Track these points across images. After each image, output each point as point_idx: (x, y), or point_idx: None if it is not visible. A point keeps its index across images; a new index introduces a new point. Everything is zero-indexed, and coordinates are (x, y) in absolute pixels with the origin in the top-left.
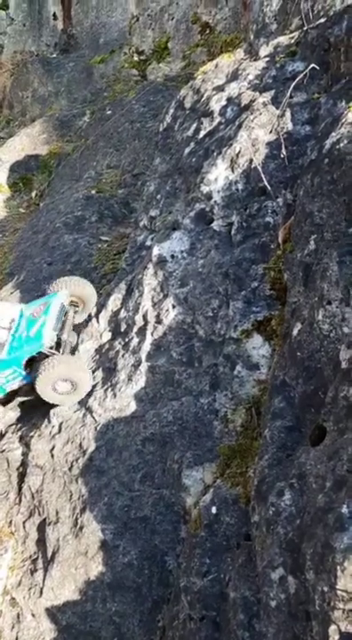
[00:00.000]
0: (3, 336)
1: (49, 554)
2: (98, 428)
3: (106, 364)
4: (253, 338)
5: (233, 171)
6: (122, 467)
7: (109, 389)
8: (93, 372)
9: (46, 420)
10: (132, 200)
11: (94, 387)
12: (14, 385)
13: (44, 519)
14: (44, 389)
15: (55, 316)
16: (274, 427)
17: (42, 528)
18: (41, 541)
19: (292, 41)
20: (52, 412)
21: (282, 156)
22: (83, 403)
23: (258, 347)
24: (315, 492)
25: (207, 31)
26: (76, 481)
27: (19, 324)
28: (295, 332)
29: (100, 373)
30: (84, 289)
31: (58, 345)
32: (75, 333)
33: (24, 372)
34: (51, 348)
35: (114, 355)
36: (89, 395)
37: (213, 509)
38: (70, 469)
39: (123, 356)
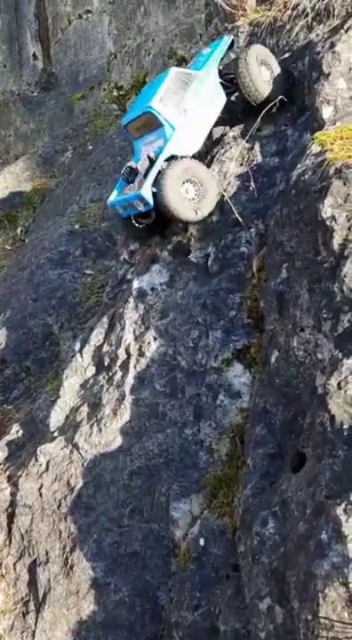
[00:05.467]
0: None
1: (40, 595)
2: (85, 465)
3: (91, 400)
4: (234, 366)
5: None
6: (110, 502)
7: (95, 424)
8: (78, 408)
9: (33, 458)
10: (115, 233)
11: (80, 423)
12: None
13: (35, 560)
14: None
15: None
16: (256, 455)
17: (32, 569)
18: (32, 583)
19: None
20: (38, 450)
21: (251, 188)
22: (69, 440)
23: (239, 375)
24: (296, 520)
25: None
26: (65, 519)
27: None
28: (273, 359)
29: (85, 409)
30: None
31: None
32: None
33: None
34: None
35: (98, 389)
36: (74, 431)
37: (201, 541)
38: (59, 508)
39: (107, 390)
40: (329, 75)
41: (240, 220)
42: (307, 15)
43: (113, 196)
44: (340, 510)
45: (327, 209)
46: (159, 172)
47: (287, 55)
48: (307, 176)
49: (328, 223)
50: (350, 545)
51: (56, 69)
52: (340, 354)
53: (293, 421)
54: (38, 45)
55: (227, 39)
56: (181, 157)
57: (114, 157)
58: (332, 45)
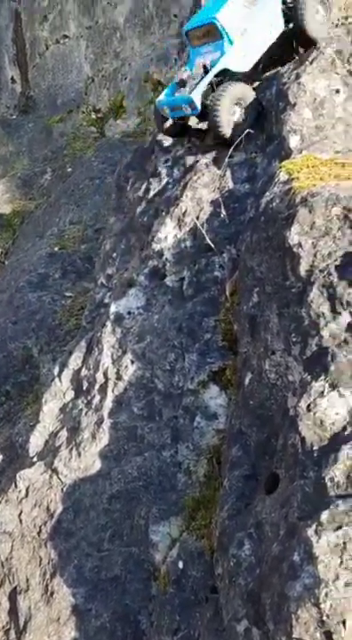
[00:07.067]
0: None
1: (21, 623)
2: (64, 490)
3: (70, 424)
4: (210, 388)
5: (181, 229)
6: (90, 527)
7: (74, 449)
8: (57, 432)
9: (13, 484)
10: (94, 255)
11: (59, 447)
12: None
13: (15, 587)
14: None
15: None
16: (232, 476)
17: (13, 597)
18: (13, 611)
19: None
20: (18, 475)
21: (222, 215)
22: (48, 465)
23: (215, 397)
24: (271, 541)
25: (159, 88)
26: (45, 545)
27: None
28: (247, 381)
29: (64, 433)
30: None
31: None
32: None
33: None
34: None
35: (77, 413)
36: (54, 456)
37: (180, 564)
38: (39, 534)
39: (86, 414)
40: (295, 105)
41: (212, 245)
42: None
43: (162, 97)
44: (310, 532)
45: (294, 236)
46: (217, 88)
47: (256, 84)
48: (275, 204)
49: (295, 250)
50: (321, 566)
51: (34, 93)
52: (308, 376)
53: (267, 443)
54: (16, 69)
55: None
56: (238, 80)
57: (92, 180)
58: (298, 76)
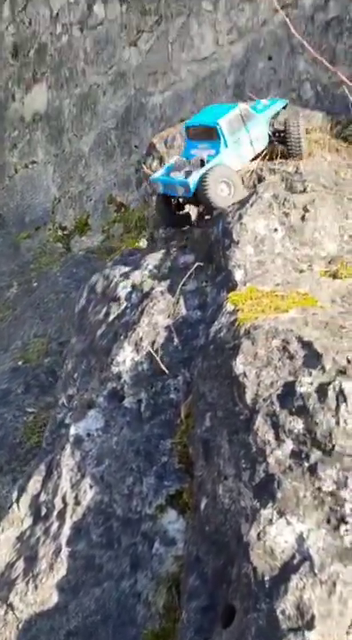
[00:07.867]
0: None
1: None
2: (20, 626)
3: (27, 553)
4: (168, 512)
5: (138, 352)
6: None
7: (31, 581)
8: (14, 563)
9: None
10: (57, 368)
11: (15, 580)
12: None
13: None
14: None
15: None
16: (190, 608)
17: None
18: None
19: (183, 235)
20: None
21: (175, 342)
22: (4, 599)
23: (173, 521)
24: None
25: (122, 209)
26: None
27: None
28: (202, 505)
29: (21, 564)
30: None
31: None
32: None
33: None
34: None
35: (35, 542)
36: (9, 590)
37: None
38: None
39: (44, 542)
40: (238, 242)
41: (165, 370)
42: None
43: (158, 174)
44: None
45: (239, 365)
46: (205, 173)
47: (207, 218)
48: (222, 334)
49: (241, 379)
50: None
51: (3, 211)
52: (258, 503)
53: (224, 570)
54: None
55: (282, 102)
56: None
57: (58, 294)
58: (240, 217)
